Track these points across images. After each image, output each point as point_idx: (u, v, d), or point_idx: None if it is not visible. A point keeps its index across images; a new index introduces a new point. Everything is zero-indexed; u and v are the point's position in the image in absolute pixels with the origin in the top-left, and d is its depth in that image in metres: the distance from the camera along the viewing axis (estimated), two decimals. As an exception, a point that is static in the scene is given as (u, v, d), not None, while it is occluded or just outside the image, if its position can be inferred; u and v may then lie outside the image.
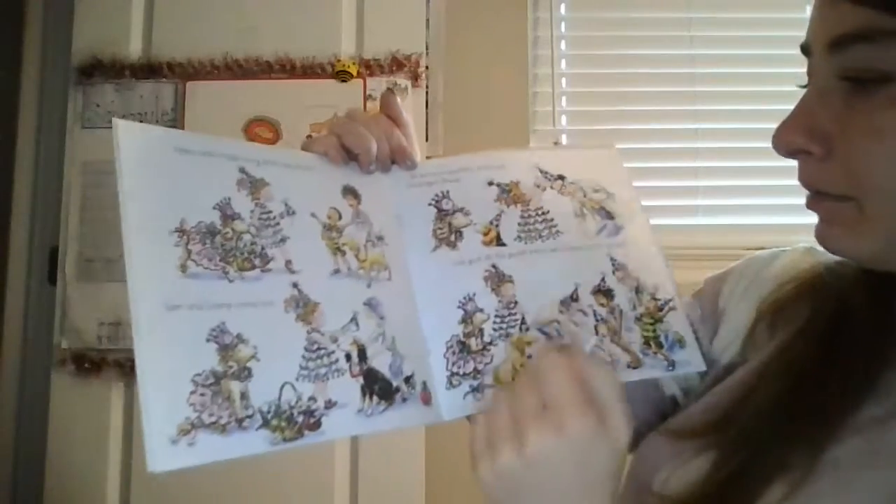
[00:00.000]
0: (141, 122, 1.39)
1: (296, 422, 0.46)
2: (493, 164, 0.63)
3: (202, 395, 0.43)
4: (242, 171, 0.52)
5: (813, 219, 0.48)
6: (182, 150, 0.50)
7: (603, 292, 0.58)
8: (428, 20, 1.48)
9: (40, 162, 1.58)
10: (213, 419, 0.43)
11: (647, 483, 0.54)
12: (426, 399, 0.54)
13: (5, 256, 1.55)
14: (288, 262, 0.51)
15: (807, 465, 0.45)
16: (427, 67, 1.44)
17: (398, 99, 0.61)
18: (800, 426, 0.48)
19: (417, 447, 1.29)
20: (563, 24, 1.74)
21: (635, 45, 1.72)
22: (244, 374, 0.46)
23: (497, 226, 0.60)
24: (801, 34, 0.47)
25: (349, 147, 0.58)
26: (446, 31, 1.59)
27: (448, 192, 0.61)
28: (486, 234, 0.59)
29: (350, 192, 0.58)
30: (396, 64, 1.40)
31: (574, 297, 0.57)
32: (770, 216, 1.65)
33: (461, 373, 0.55)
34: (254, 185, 0.52)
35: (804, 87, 0.48)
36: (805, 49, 0.47)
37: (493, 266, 0.58)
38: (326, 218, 0.55)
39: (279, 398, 0.46)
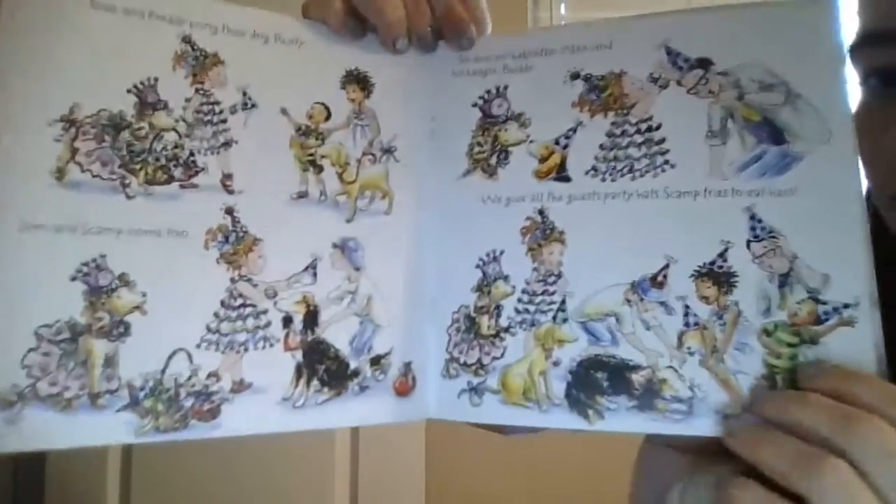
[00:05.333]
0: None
1: (180, 406, 0.34)
2: (590, 42, 0.40)
3: (46, 354, 0.32)
4: (186, 40, 0.37)
5: None
6: (98, 3, 0.36)
7: (715, 277, 0.35)
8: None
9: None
10: (55, 390, 0.32)
11: (660, 497, 0.40)
12: (404, 388, 0.38)
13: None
14: (226, 178, 0.37)
15: None
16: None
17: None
18: None
19: (417, 447, 1.22)
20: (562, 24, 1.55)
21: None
22: (118, 330, 0.33)
23: (565, 147, 0.39)
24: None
25: (363, 12, 0.40)
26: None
27: (507, 86, 0.41)
28: (543, 160, 0.39)
29: (355, 79, 0.40)
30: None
31: (658, 280, 0.36)
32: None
33: (462, 361, 0.38)
34: (199, 63, 0.37)
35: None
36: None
37: (541, 212, 0.38)
38: (306, 117, 0.39)
39: (163, 370, 0.34)
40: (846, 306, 0.33)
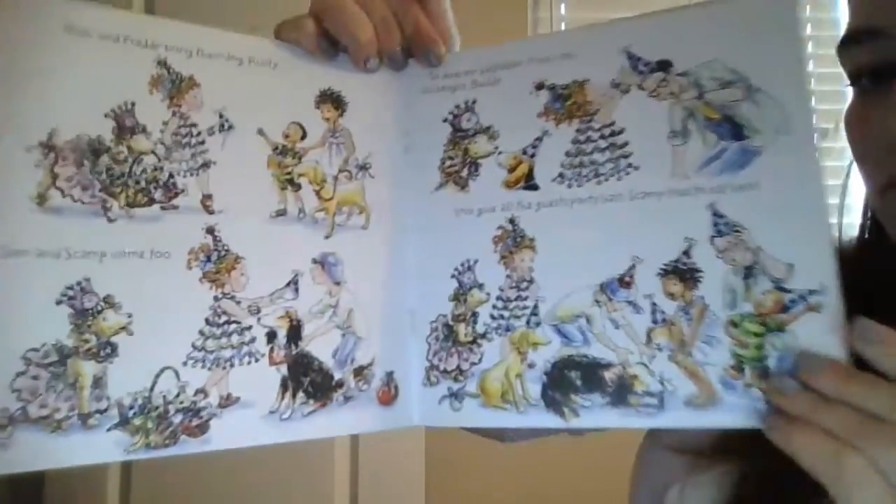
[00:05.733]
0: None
1: (169, 423, 0.34)
2: (555, 52, 0.41)
3: (34, 377, 0.32)
4: (163, 64, 0.38)
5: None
6: (73, 29, 0.36)
7: (680, 274, 0.37)
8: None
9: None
10: (45, 412, 0.32)
11: (659, 497, 0.44)
12: (387, 397, 0.39)
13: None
14: (206, 198, 0.37)
15: None
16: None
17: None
18: None
19: (417, 449, 1.21)
20: (563, 25, 1.56)
21: (635, 47, 1.50)
22: (105, 351, 0.34)
23: (532, 156, 0.41)
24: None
25: (335, 34, 0.41)
26: (447, 31, 1.49)
27: (475, 101, 0.42)
28: (511, 170, 0.41)
29: (329, 98, 0.42)
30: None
31: (626, 281, 0.38)
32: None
33: (442, 368, 0.39)
34: (176, 86, 0.38)
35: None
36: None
37: (511, 221, 0.40)
38: (282, 137, 0.40)
39: (152, 388, 0.34)
40: (812, 292, 0.34)
